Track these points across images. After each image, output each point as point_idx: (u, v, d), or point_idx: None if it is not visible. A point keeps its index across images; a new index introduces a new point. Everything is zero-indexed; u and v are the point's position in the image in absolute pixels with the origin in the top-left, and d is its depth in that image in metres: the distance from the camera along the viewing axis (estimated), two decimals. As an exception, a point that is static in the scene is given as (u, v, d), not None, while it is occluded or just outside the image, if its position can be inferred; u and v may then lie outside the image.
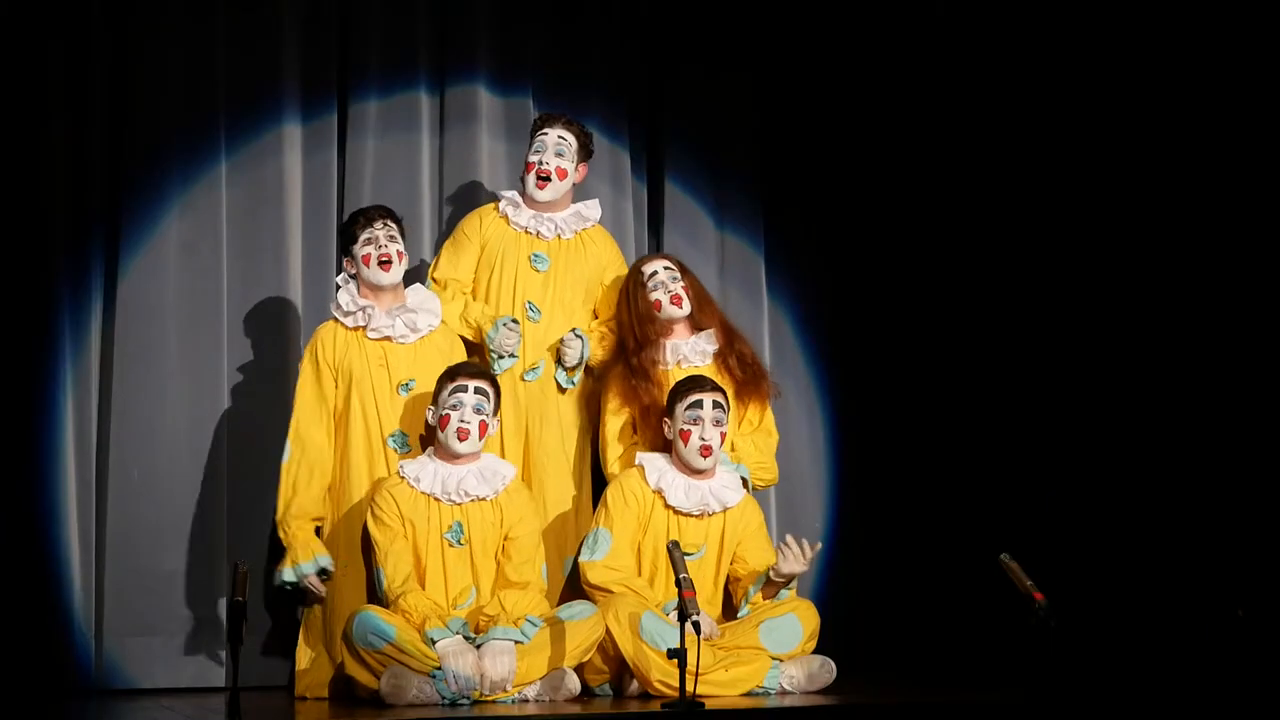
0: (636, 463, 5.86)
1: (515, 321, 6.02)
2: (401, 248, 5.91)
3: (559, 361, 6.12)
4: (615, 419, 6.07)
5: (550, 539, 5.93)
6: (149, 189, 6.19)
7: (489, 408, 5.65)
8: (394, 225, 5.92)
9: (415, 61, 6.58)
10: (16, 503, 5.92)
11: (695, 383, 5.84)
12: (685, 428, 5.77)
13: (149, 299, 6.14)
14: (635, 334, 6.07)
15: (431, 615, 5.41)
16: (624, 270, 6.33)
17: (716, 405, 5.79)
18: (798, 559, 5.69)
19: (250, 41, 6.37)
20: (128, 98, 6.20)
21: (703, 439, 5.76)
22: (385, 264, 5.85)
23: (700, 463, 5.78)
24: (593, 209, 6.29)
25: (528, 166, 6.16)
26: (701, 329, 6.15)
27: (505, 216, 6.18)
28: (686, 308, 6.10)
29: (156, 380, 6.11)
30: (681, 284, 6.11)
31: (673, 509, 5.79)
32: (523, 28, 6.75)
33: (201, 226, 6.23)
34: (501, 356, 6.01)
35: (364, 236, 5.88)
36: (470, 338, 6.08)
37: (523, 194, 6.21)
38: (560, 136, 6.16)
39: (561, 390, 6.13)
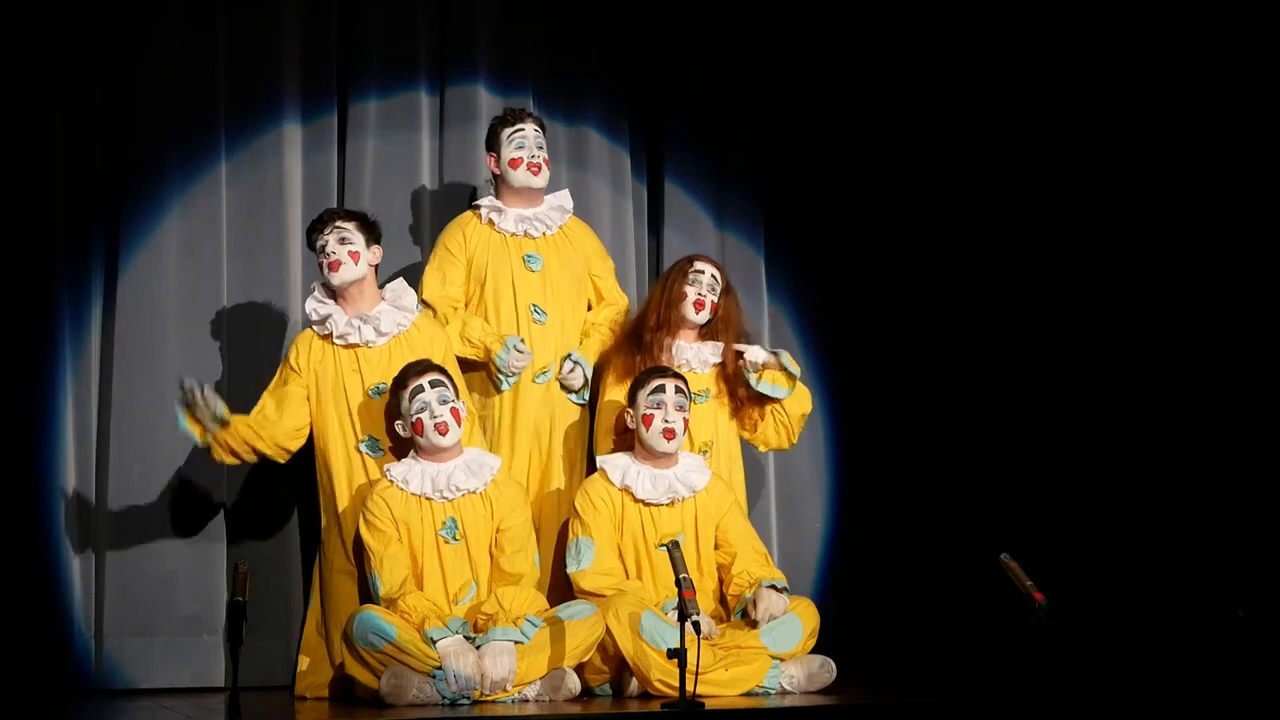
0: (598, 466, 5.87)
1: (523, 341, 6.02)
2: (357, 247, 5.81)
3: (564, 386, 6.13)
4: (612, 396, 6.09)
5: (564, 538, 5.93)
6: (149, 189, 6.19)
7: (451, 394, 5.64)
8: (347, 226, 5.84)
9: (415, 61, 6.59)
10: (16, 503, 5.92)
11: (658, 370, 5.88)
12: (648, 412, 5.79)
13: (149, 299, 6.14)
14: (658, 314, 6.10)
15: (430, 615, 5.41)
16: (607, 259, 6.35)
17: (679, 391, 5.82)
18: (770, 606, 5.70)
19: (250, 41, 6.37)
20: (128, 98, 6.20)
21: (666, 421, 5.78)
22: (335, 267, 5.80)
23: (664, 445, 5.79)
24: (566, 199, 6.27)
25: (513, 162, 6.11)
26: (710, 339, 6.18)
27: (491, 223, 6.14)
28: (704, 317, 6.13)
29: (157, 380, 6.11)
30: (716, 297, 6.13)
31: (643, 502, 5.80)
32: (522, 28, 6.75)
33: (201, 226, 6.23)
34: (508, 376, 6.01)
35: (318, 243, 5.84)
36: (474, 357, 6.04)
37: (498, 197, 6.16)
38: (535, 130, 6.16)
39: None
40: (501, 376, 6.03)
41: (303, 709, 5.51)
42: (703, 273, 6.15)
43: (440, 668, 5.32)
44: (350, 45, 6.54)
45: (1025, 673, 5.30)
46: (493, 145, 6.17)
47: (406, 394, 5.61)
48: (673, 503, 5.83)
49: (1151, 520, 6.27)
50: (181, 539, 6.08)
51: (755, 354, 6.11)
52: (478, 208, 6.19)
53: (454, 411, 5.62)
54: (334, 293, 5.85)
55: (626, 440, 6.01)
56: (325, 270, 5.82)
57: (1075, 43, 6.64)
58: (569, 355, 6.15)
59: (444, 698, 5.30)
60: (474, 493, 5.65)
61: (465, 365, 6.05)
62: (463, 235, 6.14)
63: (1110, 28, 6.54)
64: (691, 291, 6.11)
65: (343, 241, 5.81)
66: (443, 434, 5.60)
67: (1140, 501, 6.31)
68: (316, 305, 5.86)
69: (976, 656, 6.37)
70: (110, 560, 6.01)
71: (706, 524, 5.87)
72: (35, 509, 5.94)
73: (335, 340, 5.83)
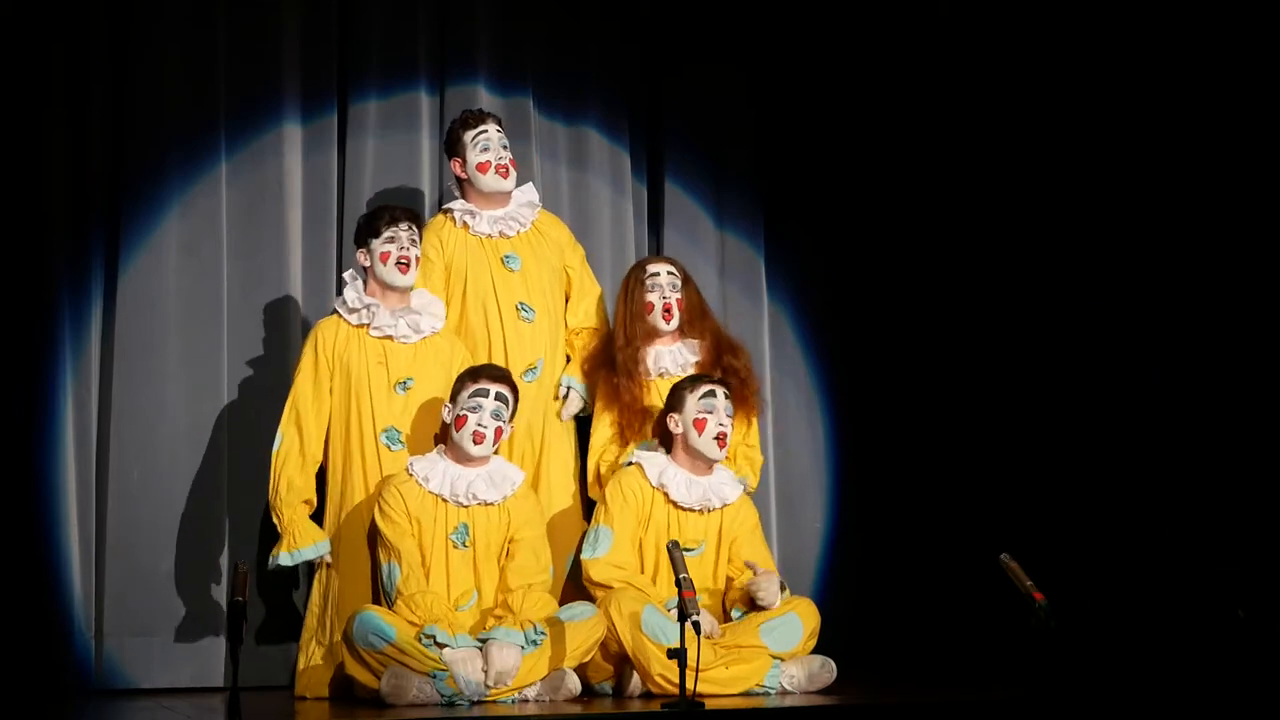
0: (635, 460, 5.87)
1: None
2: (420, 253, 5.90)
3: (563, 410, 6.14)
4: (602, 423, 6.09)
5: (554, 536, 5.93)
6: (149, 189, 6.19)
7: (507, 414, 5.65)
8: (417, 230, 5.91)
9: (415, 61, 6.58)
10: (16, 503, 5.92)
11: (705, 377, 5.90)
12: (701, 416, 5.79)
13: (149, 299, 6.14)
14: (625, 330, 6.09)
15: (443, 620, 5.40)
16: (577, 247, 6.34)
17: (728, 398, 5.83)
18: (769, 590, 5.72)
19: (250, 41, 6.37)
20: (128, 98, 6.20)
21: (720, 426, 5.79)
22: (404, 265, 5.83)
23: (716, 452, 5.80)
24: (533, 192, 6.25)
25: (481, 166, 6.07)
26: (687, 339, 6.17)
27: (465, 226, 6.12)
28: (674, 323, 6.12)
29: (157, 380, 6.11)
30: (679, 294, 6.12)
31: (674, 504, 5.80)
32: (522, 28, 6.75)
33: (201, 226, 6.23)
34: None
35: (387, 234, 5.85)
36: None
37: (465, 199, 6.12)
38: (498, 130, 6.14)
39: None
40: None
41: (303, 709, 5.51)
42: (658, 274, 6.12)
43: (441, 669, 5.32)
44: (350, 45, 6.54)
45: (1025, 673, 5.31)
46: (455, 150, 6.12)
47: (471, 389, 5.61)
48: (703, 511, 5.83)
49: (1151, 520, 6.27)
50: (181, 539, 6.08)
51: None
52: (449, 211, 6.15)
53: (498, 430, 5.62)
54: (370, 286, 5.86)
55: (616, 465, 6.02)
56: (391, 264, 5.82)
57: (1075, 42, 6.64)
58: (563, 382, 6.13)
59: (443, 696, 5.30)
60: (490, 504, 5.65)
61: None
62: (439, 241, 6.10)
63: (1110, 27, 6.54)
64: (654, 298, 6.08)
65: (414, 242, 5.88)
66: (476, 442, 5.60)
67: (1140, 502, 6.30)
68: (358, 294, 5.87)
69: (976, 656, 6.37)
70: (110, 560, 6.01)
71: (728, 537, 5.87)
72: (35, 509, 5.94)
73: (372, 331, 5.84)
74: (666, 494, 5.81)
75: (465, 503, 5.62)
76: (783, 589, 5.83)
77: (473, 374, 5.67)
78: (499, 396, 5.62)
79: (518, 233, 6.16)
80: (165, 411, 6.11)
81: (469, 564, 5.62)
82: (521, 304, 6.10)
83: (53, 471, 5.97)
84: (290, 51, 6.42)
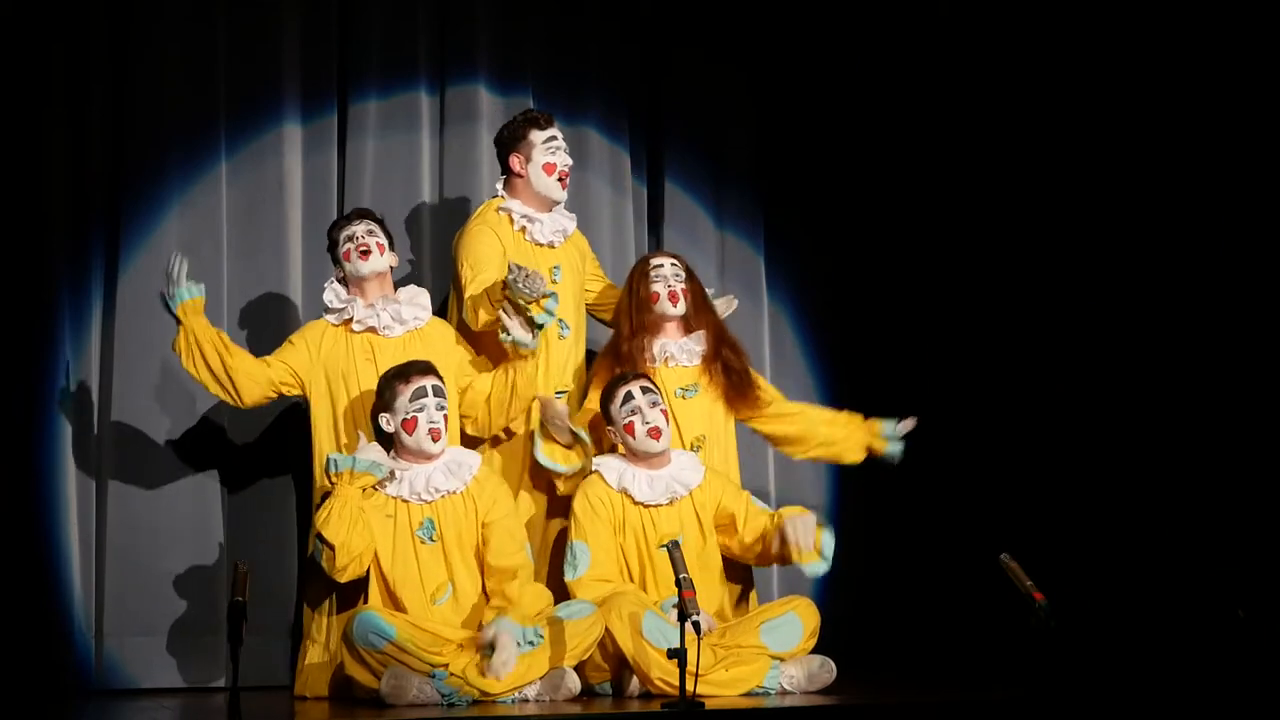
0: (594, 468, 5.86)
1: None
2: (383, 241, 5.86)
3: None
4: (592, 406, 6.08)
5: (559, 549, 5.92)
6: (149, 189, 6.19)
7: (447, 401, 5.64)
8: (374, 224, 5.89)
9: (415, 61, 6.59)
10: (16, 503, 5.92)
11: (618, 379, 5.87)
12: (627, 421, 5.79)
13: (149, 299, 6.13)
14: (630, 321, 6.07)
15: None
16: (596, 262, 6.31)
17: (646, 390, 5.82)
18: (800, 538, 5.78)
19: (250, 41, 6.38)
20: (128, 98, 6.20)
21: (647, 423, 5.78)
22: (364, 253, 5.81)
23: (654, 446, 5.79)
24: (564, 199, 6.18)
25: (547, 167, 6.02)
26: (693, 332, 6.17)
27: (523, 230, 6.03)
28: (681, 307, 6.10)
29: (156, 380, 6.11)
30: (683, 284, 6.11)
31: (641, 504, 5.80)
32: (522, 28, 6.75)
33: (201, 226, 6.23)
34: (535, 299, 5.61)
35: (344, 235, 5.86)
36: (490, 316, 5.72)
37: (510, 195, 6.06)
38: (562, 138, 6.11)
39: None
40: (526, 306, 5.64)
41: (303, 709, 5.51)
42: (662, 265, 6.12)
43: (440, 668, 5.32)
44: (350, 45, 6.54)
45: (1025, 673, 5.31)
46: (518, 146, 6.03)
47: (408, 391, 5.59)
48: (671, 502, 5.84)
49: (1151, 520, 6.27)
50: (181, 539, 6.08)
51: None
52: (506, 210, 6.05)
53: (445, 418, 5.62)
54: (350, 287, 5.85)
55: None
56: (353, 257, 5.80)
57: (1075, 41, 6.65)
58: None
59: (443, 696, 5.31)
60: (454, 493, 5.65)
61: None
62: (496, 238, 5.98)
63: (1110, 27, 6.55)
64: (659, 288, 6.08)
65: (371, 233, 5.84)
66: (435, 440, 5.59)
67: (1140, 501, 6.31)
68: (337, 294, 5.85)
69: (976, 656, 6.37)
70: (110, 560, 6.01)
71: (706, 516, 5.87)
72: (35, 509, 5.94)
73: (354, 326, 5.82)
74: (631, 496, 5.81)
75: (428, 498, 5.61)
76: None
77: (402, 376, 5.61)
78: (436, 390, 5.61)
79: (564, 243, 6.12)
80: (165, 411, 6.11)
81: (439, 558, 5.60)
82: (561, 321, 6.05)
83: (53, 471, 5.98)
84: (290, 51, 6.43)
